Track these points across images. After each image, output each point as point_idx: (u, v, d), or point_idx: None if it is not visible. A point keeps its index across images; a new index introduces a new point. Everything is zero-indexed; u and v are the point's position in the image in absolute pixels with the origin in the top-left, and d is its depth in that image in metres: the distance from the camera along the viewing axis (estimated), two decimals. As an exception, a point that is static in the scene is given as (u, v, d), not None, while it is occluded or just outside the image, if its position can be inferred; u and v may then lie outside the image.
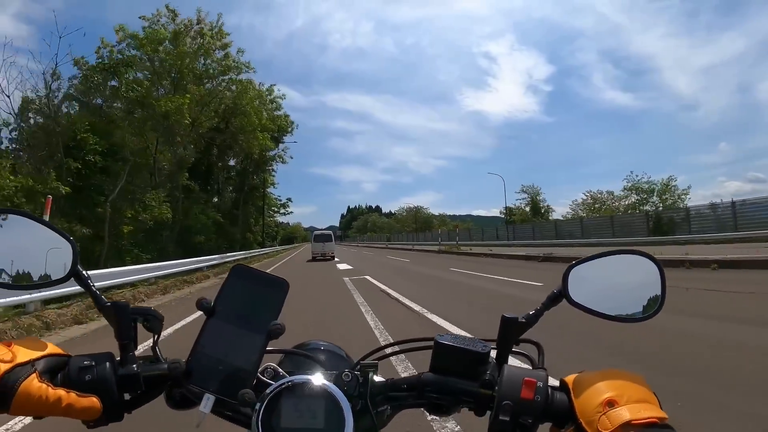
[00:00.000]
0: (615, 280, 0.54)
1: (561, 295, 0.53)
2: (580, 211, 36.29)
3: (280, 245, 60.05)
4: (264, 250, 34.08)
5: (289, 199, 41.56)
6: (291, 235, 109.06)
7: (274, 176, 34.17)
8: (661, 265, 0.53)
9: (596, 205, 35.58)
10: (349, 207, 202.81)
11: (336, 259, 22.36)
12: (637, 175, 32.62)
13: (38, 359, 0.45)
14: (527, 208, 41.90)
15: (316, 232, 25.18)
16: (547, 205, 42.29)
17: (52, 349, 0.48)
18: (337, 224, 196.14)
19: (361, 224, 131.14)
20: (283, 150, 31.79)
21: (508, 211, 40.94)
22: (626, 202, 33.58)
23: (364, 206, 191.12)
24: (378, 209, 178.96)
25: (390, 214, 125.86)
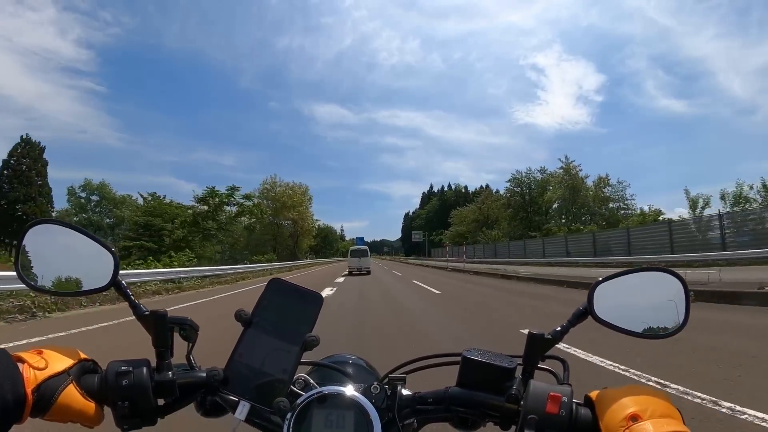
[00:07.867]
0: (640, 297, 0.54)
1: (586, 312, 0.53)
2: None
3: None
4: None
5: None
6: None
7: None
8: (685, 281, 0.53)
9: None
10: (425, 193, 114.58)
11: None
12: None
13: (72, 367, 0.46)
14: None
15: (353, 248, 25.89)
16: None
17: (82, 356, 0.49)
18: (396, 237, 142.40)
19: (484, 217, 51.04)
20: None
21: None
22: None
23: (453, 186, 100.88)
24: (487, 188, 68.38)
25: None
